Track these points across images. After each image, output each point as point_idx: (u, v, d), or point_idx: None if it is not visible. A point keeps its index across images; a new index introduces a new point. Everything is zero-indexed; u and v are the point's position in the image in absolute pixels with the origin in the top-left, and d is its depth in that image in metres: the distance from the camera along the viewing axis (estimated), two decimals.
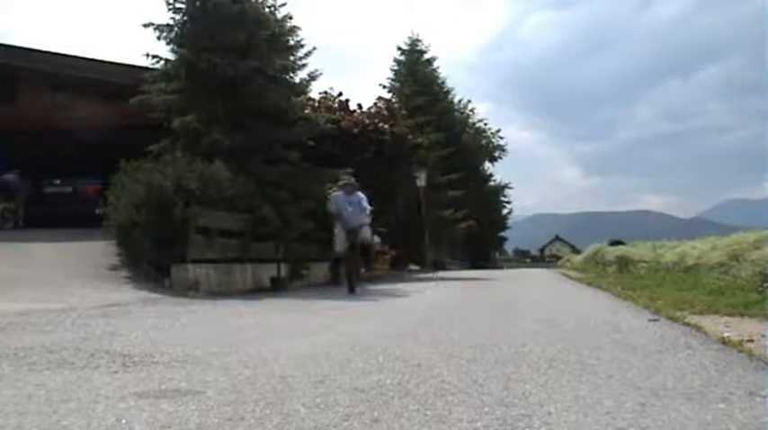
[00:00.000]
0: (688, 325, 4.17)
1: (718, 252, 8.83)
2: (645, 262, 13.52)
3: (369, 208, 8.64)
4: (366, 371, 2.64)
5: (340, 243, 8.43)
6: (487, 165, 40.54)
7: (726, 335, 3.58)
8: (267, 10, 11.72)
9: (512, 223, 44.95)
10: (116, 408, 1.99)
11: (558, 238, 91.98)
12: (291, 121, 11.65)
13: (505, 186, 41.49)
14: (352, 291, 8.16)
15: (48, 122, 14.08)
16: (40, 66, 14.19)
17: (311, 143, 11.85)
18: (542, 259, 71.11)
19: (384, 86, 32.66)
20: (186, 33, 11.17)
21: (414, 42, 33.95)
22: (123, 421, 1.85)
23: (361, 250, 8.69)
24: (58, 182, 14.32)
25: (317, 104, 14.99)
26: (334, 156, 12.77)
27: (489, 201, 38.35)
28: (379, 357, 2.97)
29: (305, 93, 13.01)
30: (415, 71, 32.61)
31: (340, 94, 16.36)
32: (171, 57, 11.38)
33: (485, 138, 39.91)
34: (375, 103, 17.14)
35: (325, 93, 16.17)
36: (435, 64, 34.19)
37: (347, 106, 16.07)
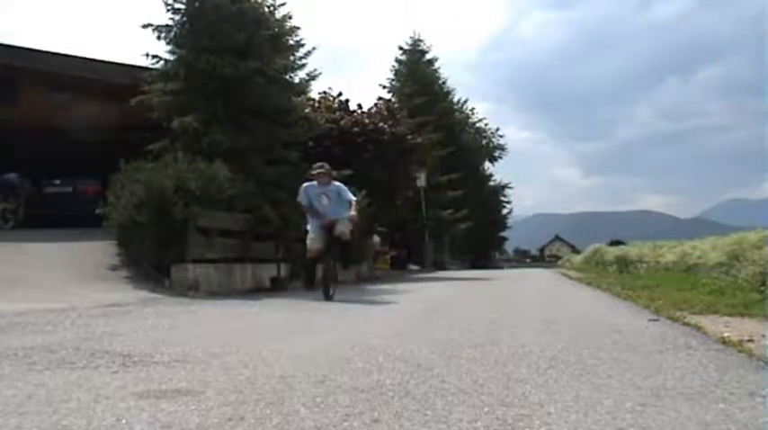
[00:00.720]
0: (688, 325, 4.17)
1: (718, 252, 8.83)
2: (645, 262, 13.52)
3: (353, 198, 7.52)
4: (366, 370, 2.64)
5: (313, 241, 7.26)
6: (487, 164, 40.58)
7: (726, 335, 3.59)
8: (267, 10, 11.72)
9: (512, 223, 44.97)
10: (116, 408, 1.99)
11: (557, 238, 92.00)
12: (291, 121, 11.66)
13: (505, 186, 41.52)
14: (328, 297, 6.91)
15: (48, 122, 14.07)
16: (41, 66, 14.20)
17: (311, 143, 11.85)
18: (542, 259, 71.14)
19: (384, 86, 32.70)
20: (186, 33, 11.18)
21: (415, 42, 33.96)
22: (123, 421, 1.85)
23: (338, 249, 7.56)
24: (57, 182, 14.32)
25: (316, 104, 15.00)
26: (333, 157, 12.78)
27: (489, 201, 38.37)
28: (378, 357, 2.97)
29: (305, 93, 13.02)
30: (415, 71, 32.61)
31: (340, 93, 16.37)
32: (170, 57, 11.39)
33: (485, 137, 39.92)
34: (375, 103, 17.15)
35: (325, 93, 16.18)
36: (436, 64, 34.21)
37: (347, 106, 16.07)
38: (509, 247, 62.86)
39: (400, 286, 10.97)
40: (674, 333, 3.87)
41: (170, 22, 11.25)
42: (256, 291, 8.81)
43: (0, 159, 12.98)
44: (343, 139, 14.36)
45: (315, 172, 7.57)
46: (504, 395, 2.18)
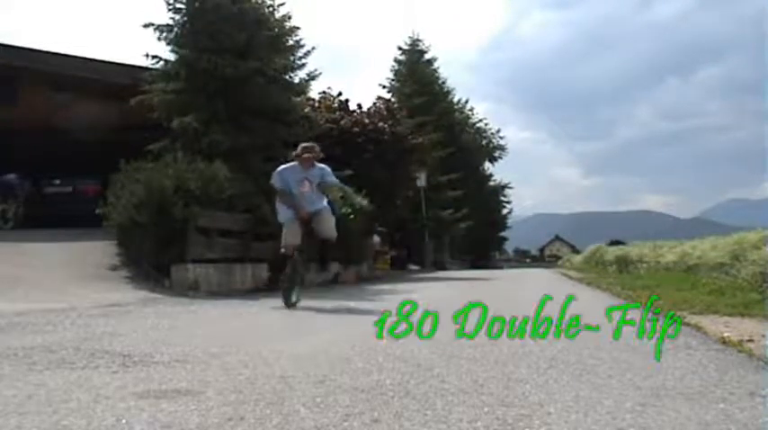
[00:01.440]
0: (688, 325, 4.17)
1: (718, 252, 8.82)
2: (645, 262, 13.52)
3: (336, 181, 6.63)
4: (366, 370, 2.64)
5: (290, 235, 6.19)
6: (487, 165, 40.61)
7: (726, 335, 3.59)
8: (267, 10, 11.74)
9: (512, 223, 45.00)
10: (116, 408, 1.99)
11: (557, 238, 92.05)
12: (291, 121, 11.67)
13: (505, 186, 41.55)
14: (290, 303, 5.91)
15: (48, 122, 14.08)
16: (41, 66, 14.21)
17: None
18: (542, 259, 71.17)
19: (384, 86, 32.71)
20: (186, 33, 11.20)
21: (414, 42, 33.98)
22: (123, 421, 1.85)
23: (321, 248, 6.62)
24: (57, 182, 14.32)
25: (316, 104, 15.03)
26: (334, 157, 12.78)
27: (489, 201, 38.39)
28: (378, 357, 2.97)
29: (305, 92, 13.05)
30: (414, 71, 32.62)
31: (340, 93, 16.39)
32: (171, 57, 11.41)
33: (485, 138, 39.95)
34: (375, 103, 17.16)
35: (325, 92, 16.19)
36: (435, 64, 34.22)
37: (347, 106, 16.09)
38: (509, 247, 62.91)
39: (400, 286, 10.97)
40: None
41: (171, 22, 11.27)
42: (256, 291, 8.81)
43: (0, 159, 12.98)
44: (343, 139, 14.37)
45: (301, 153, 6.46)
46: (504, 395, 2.18)
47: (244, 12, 11.13)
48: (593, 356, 2.99)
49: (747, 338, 3.37)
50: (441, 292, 9.73)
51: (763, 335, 3.46)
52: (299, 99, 12.58)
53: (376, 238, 16.92)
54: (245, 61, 10.75)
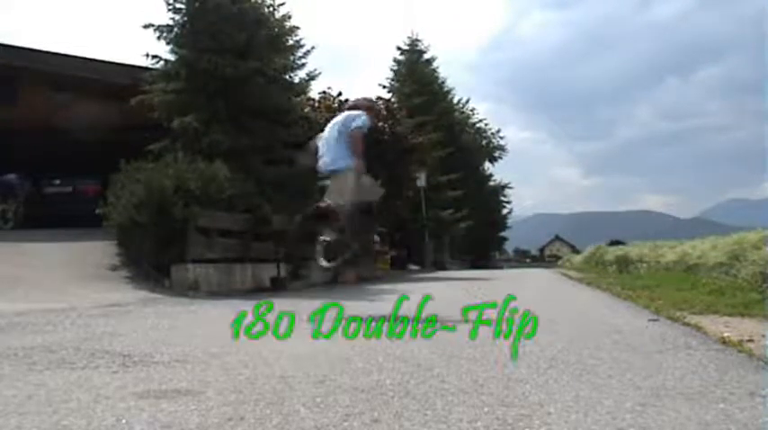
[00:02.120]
0: (688, 325, 4.17)
1: (718, 252, 8.82)
2: (645, 262, 13.52)
3: (355, 125, 5.16)
4: (366, 370, 2.64)
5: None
6: (487, 165, 40.63)
7: (726, 335, 3.58)
8: (267, 10, 11.75)
9: (512, 223, 45.02)
10: (116, 408, 1.99)
11: (557, 238, 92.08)
12: (291, 121, 11.68)
13: (505, 186, 41.57)
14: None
15: (48, 122, 14.09)
16: (41, 66, 14.22)
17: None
18: (542, 259, 71.20)
19: (384, 86, 32.72)
20: (186, 34, 11.21)
21: (413, 42, 34.00)
22: (123, 421, 1.85)
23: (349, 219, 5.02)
24: (58, 182, 14.33)
25: (316, 104, 15.02)
26: None
27: (489, 201, 38.42)
28: (378, 357, 2.97)
29: (304, 92, 13.06)
30: (414, 71, 32.65)
31: (340, 93, 16.38)
32: (171, 57, 11.41)
33: (485, 138, 39.99)
34: None
35: (325, 92, 16.19)
36: (435, 64, 34.24)
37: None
38: (509, 247, 62.93)
39: (400, 286, 10.96)
40: (674, 333, 3.87)
41: (171, 22, 11.28)
42: (256, 291, 8.81)
43: (0, 159, 12.99)
44: None
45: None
46: (504, 395, 2.18)
47: (244, 12, 11.14)
48: (593, 356, 2.99)
49: (747, 338, 3.37)
50: (441, 292, 9.73)
51: (763, 335, 3.46)
52: (298, 99, 12.59)
53: (376, 238, 16.91)
54: (245, 61, 10.76)
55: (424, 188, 23.37)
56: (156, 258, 8.19)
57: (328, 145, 5.26)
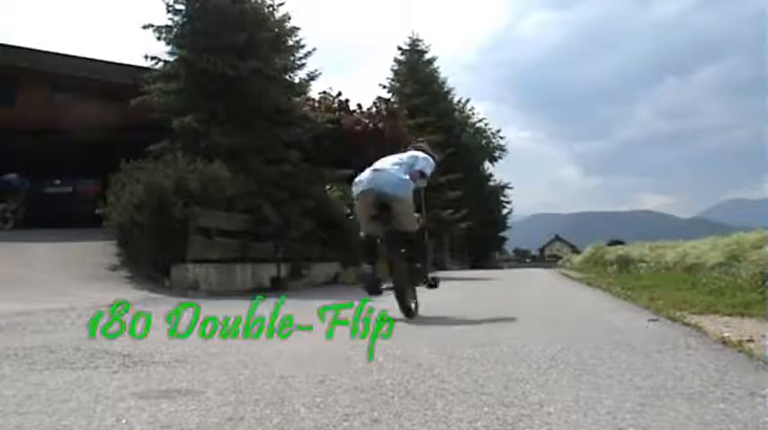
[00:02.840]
0: (688, 325, 4.17)
1: (718, 252, 8.83)
2: (645, 262, 13.53)
3: (423, 168, 5.51)
4: (366, 370, 2.64)
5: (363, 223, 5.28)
6: (487, 165, 40.62)
7: (726, 335, 3.58)
8: (267, 10, 11.74)
9: (512, 223, 45.05)
10: (116, 408, 1.99)
11: (557, 238, 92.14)
12: (291, 121, 11.67)
13: (505, 186, 41.59)
14: (408, 313, 4.97)
15: (48, 122, 14.09)
16: (41, 66, 14.23)
17: (311, 143, 11.86)
18: (542, 259, 71.20)
19: (384, 86, 32.74)
20: (186, 34, 11.20)
21: (414, 42, 34.03)
22: (123, 421, 1.85)
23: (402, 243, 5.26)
24: (58, 182, 14.34)
25: (316, 104, 15.01)
26: (333, 157, 12.77)
27: (489, 201, 38.43)
28: (378, 357, 2.97)
29: (305, 92, 13.05)
30: (415, 71, 32.67)
31: (339, 93, 16.37)
32: (171, 57, 11.40)
33: (485, 138, 39.98)
34: (375, 103, 17.15)
35: (325, 92, 16.18)
36: (435, 64, 34.25)
37: (347, 106, 16.08)
38: (509, 247, 62.96)
39: None
40: (674, 333, 3.87)
41: (170, 23, 11.27)
42: (256, 291, 8.81)
43: (0, 159, 12.99)
44: (343, 139, 14.35)
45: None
46: (504, 395, 2.18)
47: (244, 12, 11.13)
48: (594, 356, 2.99)
49: (747, 338, 3.37)
50: (441, 292, 9.71)
51: (764, 335, 3.46)
52: (298, 99, 12.58)
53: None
54: (245, 61, 10.75)
55: (423, 188, 23.36)
56: (156, 258, 8.19)
57: (386, 172, 5.27)
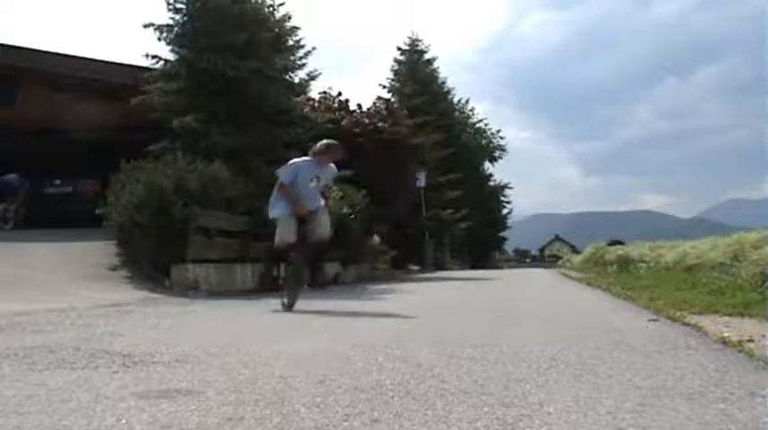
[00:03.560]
0: (688, 325, 4.17)
1: (718, 252, 8.84)
2: (645, 262, 13.53)
3: (330, 182, 6.47)
4: (366, 370, 2.64)
5: (286, 232, 6.02)
6: (487, 165, 40.61)
7: (726, 335, 3.58)
8: (267, 10, 11.75)
9: (512, 223, 45.03)
10: (116, 408, 1.99)
11: (557, 238, 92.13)
12: (291, 121, 11.67)
13: (505, 186, 41.57)
14: (290, 306, 5.75)
15: (48, 122, 14.09)
16: (41, 66, 14.24)
17: (311, 143, 11.86)
18: (542, 259, 71.18)
19: (384, 86, 32.72)
20: (186, 33, 11.21)
21: (414, 42, 34.01)
22: (123, 421, 1.85)
23: (314, 249, 6.25)
24: (58, 182, 14.34)
25: (316, 104, 15.03)
26: None
27: (489, 201, 38.41)
28: (378, 357, 2.97)
29: (305, 92, 13.06)
30: (414, 71, 32.65)
31: (339, 93, 16.39)
32: (171, 57, 11.41)
33: (485, 138, 39.98)
34: (375, 103, 17.16)
35: (325, 92, 16.19)
36: (435, 64, 34.24)
37: (347, 106, 16.09)
38: (509, 247, 62.96)
39: (400, 286, 10.97)
40: (674, 333, 3.87)
41: (171, 22, 11.28)
42: (257, 292, 8.80)
43: (0, 159, 12.99)
44: (344, 139, 14.36)
45: (324, 151, 6.14)
46: (504, 395, 2.18)
47: (244, 12, 11.14)
48: (594, 356, 2.99)
49: (747, 338, 3.37)
50: (441, 292, 9.73)
51: (764, 336, 3.46)
52: (298, 99, 12.59)
53: (376, 238, 16.91)
54: (245, 61, 10.76)
55: (423, 188, 23.36)
56: (156, 258, 8.19)
57: (306, 189, 6.05)
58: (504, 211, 41.94)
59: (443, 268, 24.84)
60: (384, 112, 16.58)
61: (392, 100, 20.67)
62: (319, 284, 6.92)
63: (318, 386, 2.33)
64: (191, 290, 7.74)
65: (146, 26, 11.22)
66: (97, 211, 8.93)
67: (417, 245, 25.11)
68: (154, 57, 11.42)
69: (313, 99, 14.88)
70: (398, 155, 15.99)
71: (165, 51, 11.51)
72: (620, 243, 24.82)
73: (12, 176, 13.33)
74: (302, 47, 12.17)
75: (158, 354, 3.05)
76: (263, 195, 9.96)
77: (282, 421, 1.85)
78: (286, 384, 2.37)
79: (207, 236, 8.50)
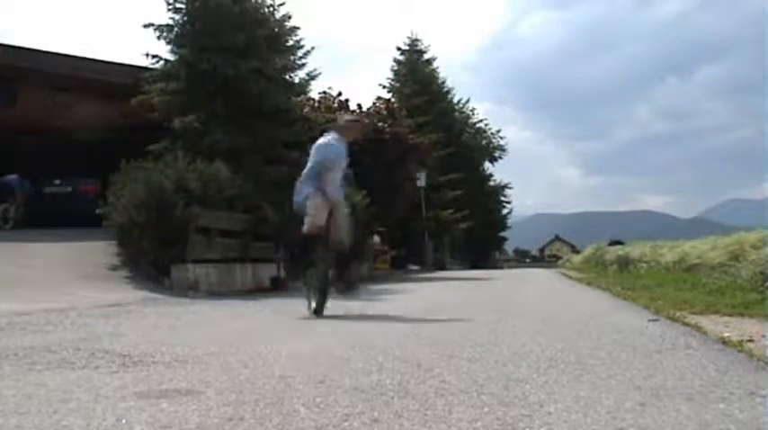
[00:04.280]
0: (688, 325, 4.17)
1: (718, 252, 8.82)
2: (645, 262, 13.51)
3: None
4: (366, 370, 2.64)
5: (318, 214, 5.26)
6: (487, 165, 40.57)
7: (726, 335, 3.58)
8: (267, 10, 11.75)
9: (512, 223, 44.97)
10: (116, 408, 2.00)
11: (557, 238, 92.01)
12: (291, 121, 11.68)
13: (505, 186, 41.51)
14: (316, 312, 5.18)
15: (48, 122, 14.09)
16: (41, 66, 14.21)
17: (311, 143, 11.87)
18: (542, 259, 71.13)
19: (384, 86, 32.71)
20: (186, 33, 11.22)
21: (413, 42, 34.00)
22: (123, 421, 1.85)
23: (337, 255, 5.43)
24: (58, 182, 14.33)
25: (316, 104, 15.02)
26: None
27: (489, 201, 38.36)
28: (378, 357, 2.97)
29: (304, 92, 13.06)
30: (414, 71, 32.64)
31: (339, 93, 16.38)
32: (171, 57, 11.41)
33: (485, 138, 39.94)
34: (374, 103, 17.15)
35: (325, 92, 16.19)
36: (435, 64, 34.24)
37: (347, 106, 16.08)
38: (509, 247, 62.90)
39: (400, 286, 10.97)
40: (674, 333, 3.87)
41: (171, 22, 11.28)
42: (257, 292, 8.81)
43: (0, 159, 12.98)
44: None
45: (355, 123, 5.61)
46: (504, 395, 2.18)
47: (244, 11, 11.14)
48: (593, 356, 2.99)
49: (747, 338, 3.37)
50: (441, 292, 9.73)
51: (763, 336, 3.46)
52: (298, 99, 12.59)
53: (376, 238, 16.92)
54: (245, 61, 10.76)
55: (423, 188, 23.36)
56: (156, 258, 8.19)
57: (337, 175, 5.44)
58: (505, 211, 41.90)
59: (443, 268, 24.83)
60: (384, 112, 16.57)
61: (392, 100, 20.64)
62: (350, 286, 5.76)
63: (318, 386, 2.33)
64: (191, 290, 7.75)
65: (146, 26, 11.22)
66: (97, 211, 8.94)
67: (417, 245, 25.11)
68: (154, 57, 11.43)
69: (313, 99, 14.87)
70: (398, 155, 15.98)
71: (165, 51, 11.52)
72: (620, 243, 24.80)
73: (12, 177, 13.32)
74: (302, 47, 12.18)
75: (158, 354, 3.05)
76: (263, 194, 10.02)
77: (282, 421, 1.85)
78: (286, 384, 2.37)
79: (207, 236, 8.50)
